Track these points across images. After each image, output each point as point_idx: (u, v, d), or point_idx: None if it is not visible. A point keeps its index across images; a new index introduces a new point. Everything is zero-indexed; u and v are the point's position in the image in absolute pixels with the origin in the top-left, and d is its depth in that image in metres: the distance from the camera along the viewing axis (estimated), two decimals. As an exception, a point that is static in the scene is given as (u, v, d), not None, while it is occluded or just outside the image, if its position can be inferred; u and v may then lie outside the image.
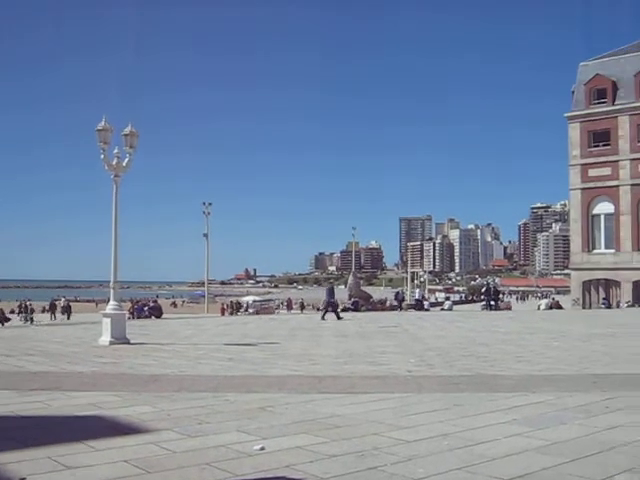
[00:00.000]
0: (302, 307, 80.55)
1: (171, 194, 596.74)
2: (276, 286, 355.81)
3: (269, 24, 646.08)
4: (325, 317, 31.97)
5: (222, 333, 23.24)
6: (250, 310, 69.34)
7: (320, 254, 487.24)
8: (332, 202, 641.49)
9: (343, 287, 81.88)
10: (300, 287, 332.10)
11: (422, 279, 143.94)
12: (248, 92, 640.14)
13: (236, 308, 66.12)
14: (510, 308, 68.09)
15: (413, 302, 63.41)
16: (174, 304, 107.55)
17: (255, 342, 18.52)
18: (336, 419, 7.43)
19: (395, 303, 56.34)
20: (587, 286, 61.11)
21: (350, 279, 64.30)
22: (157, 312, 46.31)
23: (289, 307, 78.86)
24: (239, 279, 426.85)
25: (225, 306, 72.40)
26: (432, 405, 8.32)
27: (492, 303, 52.15)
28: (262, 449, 6.07)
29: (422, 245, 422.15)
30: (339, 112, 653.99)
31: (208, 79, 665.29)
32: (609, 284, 60.75)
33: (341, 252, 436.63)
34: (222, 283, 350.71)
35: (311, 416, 7.62)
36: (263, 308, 73.73)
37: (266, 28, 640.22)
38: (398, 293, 61.24)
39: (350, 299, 56.99)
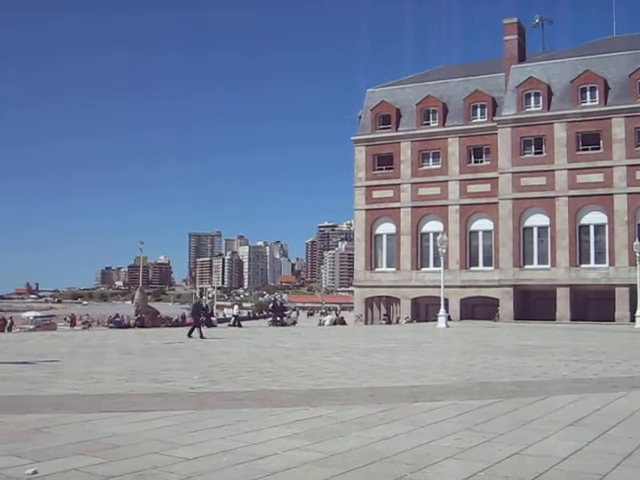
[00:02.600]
0: (87, 323, 77.76)
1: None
2: (59, 301, 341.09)
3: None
4: (195, 334, 29.08)
5: (-3, 351, 21.99)
6: (30, 326, 66.10)
7: (107, 269, 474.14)
8: (119, 215, 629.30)
9: (130, 303, 79.99)
10: (85, 302, 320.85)
11: (211, 295, 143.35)
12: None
13: (2, 324, 62.07)
14: (296, 324, 69.35)
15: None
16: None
17: (34, 360, 17.63)
18: (116, 438, 7.24)
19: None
20: (369, 303, 63.56)
21: (137, 295, 63.02)
22: None
23: (72, 323, 75.89)
24: (20, 294, 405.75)
25: (2, 322, 68.49)
26: (214, 421, 8.30)
27: (278, 319, 52.95)
28: (34, 473, 5.77)
29: (211, 261, 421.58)
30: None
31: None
32: (390, 301, 63.54)
33: (129, 267, 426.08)
34: (1, 298, 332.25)
35: (90, 436, 7.36)
36: (45, 324, 70.63)
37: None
38: (207, 307, 60.84)
39: (136, 315, 55.85)
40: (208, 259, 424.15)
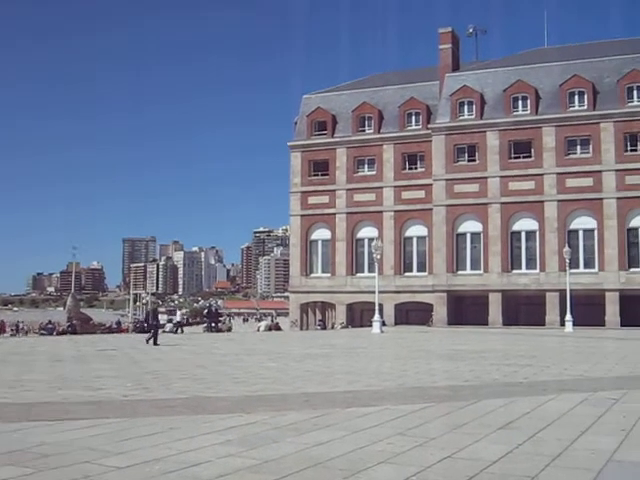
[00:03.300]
0: (17, 330, 76.16)
1: None
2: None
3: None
4: (152, 341, 28.30)
5: None
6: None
7: (38, 274, 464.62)
8: (51, 220, 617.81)
9: (62, 309, 78.54)
10: (16, 309, 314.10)
11: (145, 301, 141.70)
12: None
13: None
14: (231, 329, 68.99)
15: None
16: None
17: (-40, 368, 17.22)
18: (46, 447, 7.11)
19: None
20: (305, 308, 63.66)
21: (69, 301, 61.94)
22: None
23: (2, 330, 74.22)
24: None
25: None
26: (147, 429, 8.21)
27: (213, 325, 52.57)
28: (-39, 484, 5.66)
29: (145, 266, 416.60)
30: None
31: None
32: (325, 306, 63.74)
33: (61, 272, 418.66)
34: None
35: (19, 446, 7.20)
36: (-29, 331, 68.87)
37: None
38: (149, 314, 59.93)
39: (68, 321, 54.88)
40: (142, 264, 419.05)
